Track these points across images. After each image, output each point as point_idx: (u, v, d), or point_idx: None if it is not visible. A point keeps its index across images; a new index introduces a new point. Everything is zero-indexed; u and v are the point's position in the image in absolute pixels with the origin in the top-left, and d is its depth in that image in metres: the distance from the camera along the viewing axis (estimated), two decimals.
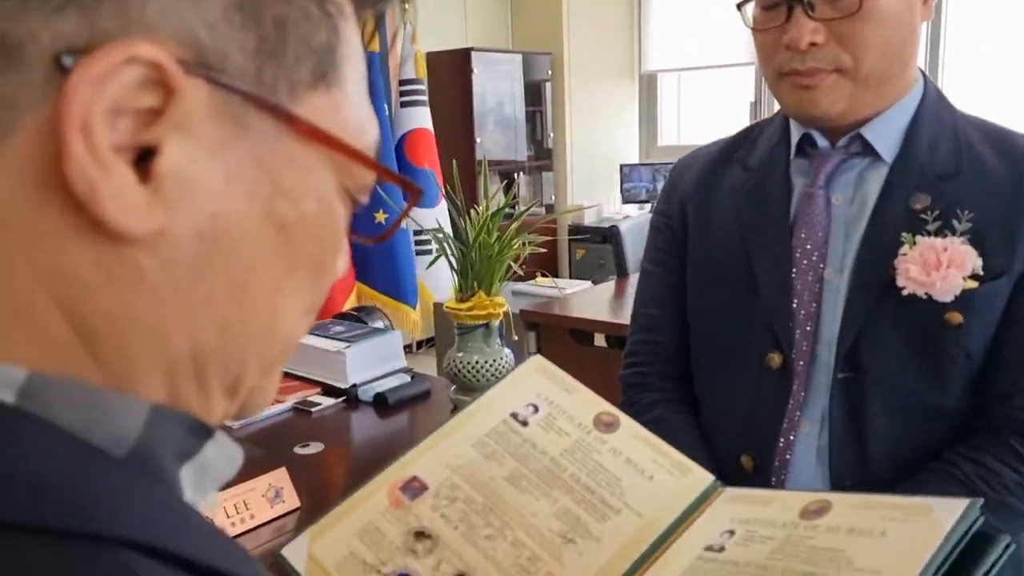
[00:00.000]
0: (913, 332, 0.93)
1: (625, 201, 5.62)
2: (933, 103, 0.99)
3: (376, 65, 4.15)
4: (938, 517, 0.55)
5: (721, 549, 0.63)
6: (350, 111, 0.37)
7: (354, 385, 2.03)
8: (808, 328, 0.98)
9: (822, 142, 1.01)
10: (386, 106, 4.16)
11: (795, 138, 1.03)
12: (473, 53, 4.83)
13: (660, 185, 5.52)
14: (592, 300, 3.28)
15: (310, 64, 0.34)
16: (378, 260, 4.02)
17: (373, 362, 2.10)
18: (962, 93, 4.52)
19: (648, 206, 5.44)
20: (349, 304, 3.85)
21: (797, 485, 0.99)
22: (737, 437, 1.04)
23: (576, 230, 5.48)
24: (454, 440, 0.74)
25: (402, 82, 4.34)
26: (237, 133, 0.32)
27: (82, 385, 0.30)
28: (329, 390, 2.05)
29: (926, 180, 0.95)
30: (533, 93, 5.47)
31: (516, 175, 5.31)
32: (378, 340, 2.14)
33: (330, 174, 0.36)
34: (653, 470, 0.71)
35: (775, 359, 1.00)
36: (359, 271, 4.01)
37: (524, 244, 2.00)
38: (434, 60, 4.88)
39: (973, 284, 0.90)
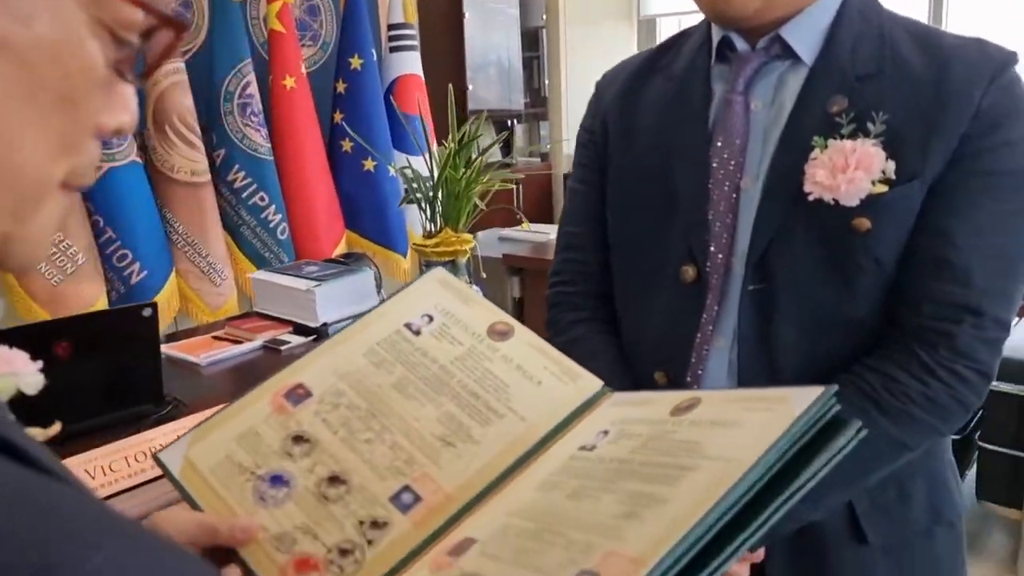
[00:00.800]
0: (822, 240, 0.90)
1: None
2: (858, 0, 0.95)
3: (363, 9, 4.08)
4: (791, 405, 0.54)
5: (593, 448, 0.62)
6: None
7: (325, 324, 2.03)
8: (724, 240, 0.95)
9: (741, 45, 0.97)
10: (374, 51, 4.09)
11: (715, 42, 1.00)
12: None
13: None
14: None
15: None
16: (368, 208, 3.99)
17: (344, 301, 2.10)
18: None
19: None
20: (339, 252, 3.84)
21: None
22: (652, 353, 1.02)
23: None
24: (345, 348, 0.74)
25: (391, 26, 4.26)
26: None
27: None
28: (300, 329, 2.05)
29: (846, 82, 0.91)
30: (530, 39, 5.38)
31: (511, 123, 5.24)
32: (350, 279, 2.13)
33: (74, 2, 0.34)
34: (542, 376, 0.70)
35: (689, 272, 0.97)
36: (348, 219, 3.99)
37: (506, 180, 1.98)
38: (425, 5, 4.79)
39: (883, 188, 0.86)
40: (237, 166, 3.65)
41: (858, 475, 0.89)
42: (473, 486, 0.63)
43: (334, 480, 0.63)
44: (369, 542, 0.60)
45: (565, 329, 1.09)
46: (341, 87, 4.08)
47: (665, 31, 6.04)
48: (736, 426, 0.56)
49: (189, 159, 3.46)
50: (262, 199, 3.71)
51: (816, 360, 0.93)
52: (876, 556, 0.98)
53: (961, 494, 1.07)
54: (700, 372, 0.98)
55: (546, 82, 5.43)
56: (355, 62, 4.03)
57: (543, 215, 5.03)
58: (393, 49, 4.27)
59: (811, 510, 0.89)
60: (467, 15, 4.73)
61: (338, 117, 4.05)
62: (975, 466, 2.17)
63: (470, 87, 4.80)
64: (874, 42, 0.92)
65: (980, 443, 2.15)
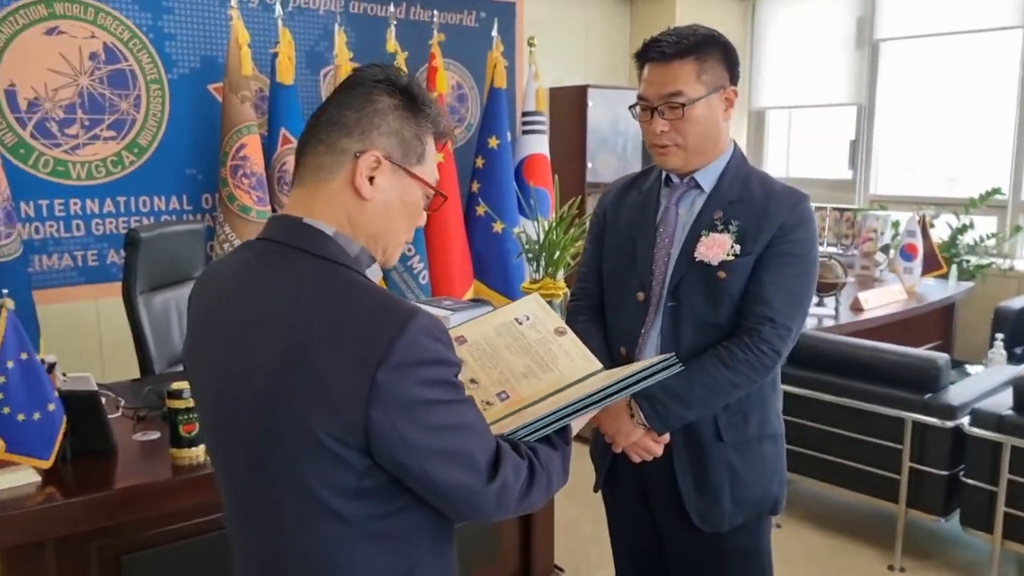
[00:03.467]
0: (704, 282, 1.60)
1: None
2: (737, 161, 1.66)
3: (502, 99, 4.91)
4: (651, 360, 1.23)
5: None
6: (428, 170, 1.10)
7: None
8: (659, 280, 1.65)
9: (675, 179, 1.68)
10: (509, 133, 4.90)
11: (664, 176, 1.69)
12: (589, 89, 5.52)
13: None
14: None
15: (416, 156, 1.07)
16: (492, 263, 4.76)
17: None
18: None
19: None
20: (467, 296, 4.62)
21: None
22: (620, 338, 1.72)
23: None
24: (484, 324, 1.44)
25: (524, 113, 5.07)
26: (395, 176, 1.05)
27: (346, 235, 1.04)
28: None
29: (723, 203, 1.61)
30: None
31: None
32: (474, 311, 2.85)
33: (420, 189, 1.09)
34: (574, 355, 1.38)
35: (640, 296, 1.68)
36: (477, 271, 4.77)
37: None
38: (557, 94, 5.62)
39: (731, 258, 1.57)
40: None
41: (713, 399, 1.57)
42: (534, 396, 1.30)
43: (472, 381, 1.32)
44: (484, 411, 1.29)
45: (577, 324, 1.76)
46: (480, 162, 4.91)
47: (774, 122, 6.63)
48: (628, 369, 1.24)
49: None
50: (409, 250, 4.55)
51: (700, 345, 1.59)
52: (728, 450, 1.64)
53: (781, 422, 1.73)
54: (641, 349, 1.67)
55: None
56: (492, 142, 4.87)
57: None
58: (526, 132, 5.08)
59: (689, 415, 1.57)
60: (590, 104, 5.51)
61: (475, 187, 4.87)
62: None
63: (589, 164, 5.55)
64: (741, 183, 1.62)
65: (964, 479, 2.58)
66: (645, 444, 1.59)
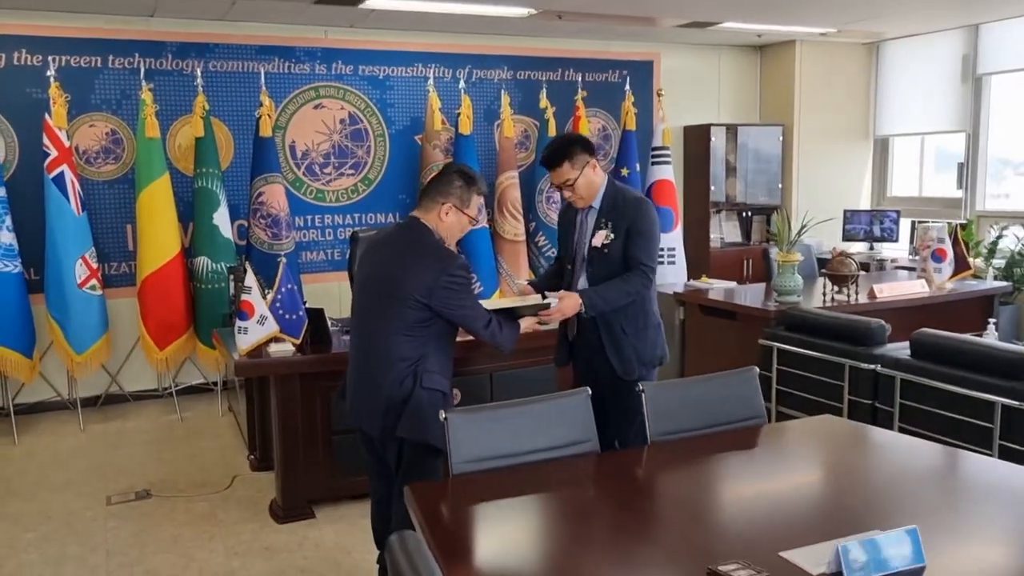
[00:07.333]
0: (600, 255, 2.88)
1: (845, 239, 6.97)
2: (611, 188, 2.92)
3: (632, 139, 6.31)
4: (536, 297, 2.72)
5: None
6: (473, 210, 2.61)
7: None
8: (580, 257, 2.96)
9: (582, 205, 2.97)
10: (637, 164, 6.31)
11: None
12: (711, 127, 6.77)
13: (875, 228, 6.86)
14: (725, 292, 5.11)
15: (466, 204, 2.58)
16: None
17: None
18: None
19: (867, 244, 6.86)
20: None
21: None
22: (561, 282, 3.07)
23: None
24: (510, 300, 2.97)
25: (653, 148, 6.44)
26: (459, 213, 2.58)
27: (436, 230, 2.59)
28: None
29: (605, 213, 2.89)
30: (774, 154, 7.17)
31: (747, 214, 7.09)
32: None
33: (467, 219, 2.61)
34: (526, 302, 2.85)
35: (569, 267, 3.01)
36: None
37: None
38: (690, 131, 6.93)
39: (608, 241, 2.85)
40: (541, 232, 6.10)
41: (618, 300, 2.82)
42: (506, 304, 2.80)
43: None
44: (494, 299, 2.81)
45: (543, 277, 3.20)
46: None
47: (899, 149, 7.40)
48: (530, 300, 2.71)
49: (514, 227, 5.96)
50: (555, 253, 6.11)
51: (604, 281, 2.87)
52: (631, 337, 2.89)
53: (657, 317, 2.96)
54: (572, 289, 2.95)
55: (779, 185, 7.16)
56: (624, 171, 6.28)
57: (762, 277, 6.62)
58: (654, 163, 6.43)
59: (606, 308, 2.83)
60: (712, 139, 6.75)
61: None
62: None
63: (712, 187, 6.78)
64: (616, 198, 2.88)
65: (879, 406, 3.63)
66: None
